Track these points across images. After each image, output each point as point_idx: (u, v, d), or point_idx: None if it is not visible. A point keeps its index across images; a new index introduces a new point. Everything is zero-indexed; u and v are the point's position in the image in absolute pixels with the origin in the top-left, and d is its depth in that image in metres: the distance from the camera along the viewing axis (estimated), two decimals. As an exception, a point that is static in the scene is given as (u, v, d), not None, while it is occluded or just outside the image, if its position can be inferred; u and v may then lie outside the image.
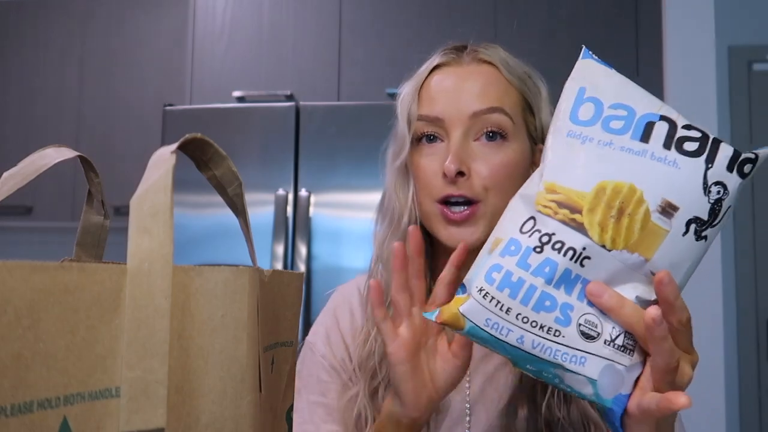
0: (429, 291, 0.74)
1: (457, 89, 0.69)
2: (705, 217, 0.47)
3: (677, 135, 0.48)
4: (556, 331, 0.47)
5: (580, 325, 0.47)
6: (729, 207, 0.48)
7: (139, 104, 2.49)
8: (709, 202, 0.47)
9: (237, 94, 2.14)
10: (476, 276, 0.49)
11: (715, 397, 1.84)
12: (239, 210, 0.40)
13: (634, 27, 2.04)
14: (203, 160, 0.38)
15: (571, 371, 0.47)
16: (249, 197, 1.64)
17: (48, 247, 2.80)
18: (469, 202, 0.67)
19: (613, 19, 2.05)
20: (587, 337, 0.47)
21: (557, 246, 0.47)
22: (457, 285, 0.53)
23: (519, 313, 0.47)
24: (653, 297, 0.47)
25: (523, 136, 0.70)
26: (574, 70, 0.53)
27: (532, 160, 0.71)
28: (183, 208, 1.88)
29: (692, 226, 0.47)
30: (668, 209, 0.47)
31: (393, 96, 0.76)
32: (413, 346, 0.59)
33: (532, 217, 0.49)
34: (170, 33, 2.50)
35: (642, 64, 2.02)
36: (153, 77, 2.50)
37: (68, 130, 2.54)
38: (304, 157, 1.92)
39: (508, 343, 0.48)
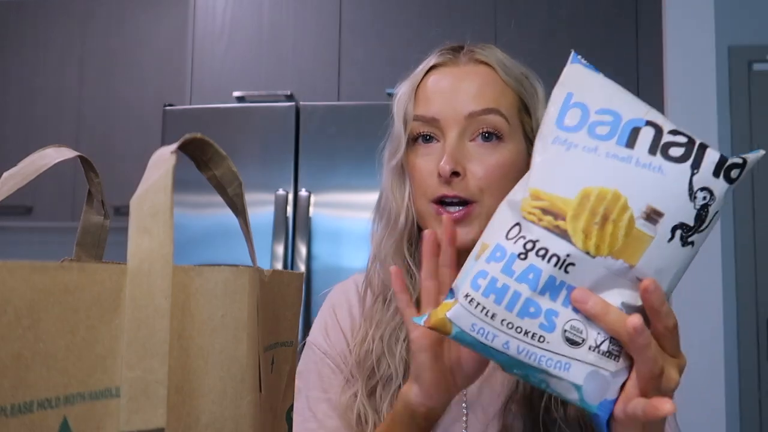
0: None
1: (453, 90, 0.69)
2: (691, 223, 0.47)
3: (663, 140, 0.48)
4: (540, 336, 0.47)
5: (565, 331, 0.47)
6: (716, 212, 0.48)
7: (139, 104, 2.49)
8: (695, 207, 0.47)
9: (237, 94, 2.14)
10: (463, 282, 0.50)
11: (715, 397, 1.84)
12: (239, 210, 0.40)
13: (634, 27, 2.04)
14: (203, 160, 0.38)
15: (556, 377, 0.48)
16: (249, 197, 1.63)
17: (48, 247, 2.80)
18: (464, 202, 0.67)
19: (613, 19, 2.05)
20: (572, 343, 0.47)
21: (541, 253, 0.47)
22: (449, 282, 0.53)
23: (504, 319, 0.47)
24: (639, 303, 0.47)
25: (519, 137, 0.70)
26: (562, 74, 0.53)
27: (527, 162, 0.71)
28: (183, 208, 1.88)
29: (678, 232, 0.47)
30: (653, 215, 0.46)
31: (393, 96, 0.76)
32: (436, 334, 0.58)
33: (518, 224, 0.49)
34: (170, 33, 2.51)
35: (642, 64, 2.02)
36: (153, 77, 2.50)
37: (68, 130, 2.54)
38: (304, 157, 1.92)
39: (494, 348, 0.48)
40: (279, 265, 1.82)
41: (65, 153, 0.39)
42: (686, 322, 2.04)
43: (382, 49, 2.13)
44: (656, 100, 1.99)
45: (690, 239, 0.47)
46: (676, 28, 1.97)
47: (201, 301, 0.31)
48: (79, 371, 0.26)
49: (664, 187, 0.47)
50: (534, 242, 0.47)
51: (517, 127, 0.70)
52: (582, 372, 0.47)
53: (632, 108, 0.49)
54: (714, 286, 1.88)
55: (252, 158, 1.93)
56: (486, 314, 0.48)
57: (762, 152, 0.48)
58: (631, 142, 0.48)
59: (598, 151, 0.48)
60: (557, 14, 2.07)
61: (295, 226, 1.87)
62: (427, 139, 0.70)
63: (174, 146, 0.32)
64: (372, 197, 0.79)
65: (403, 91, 0.73)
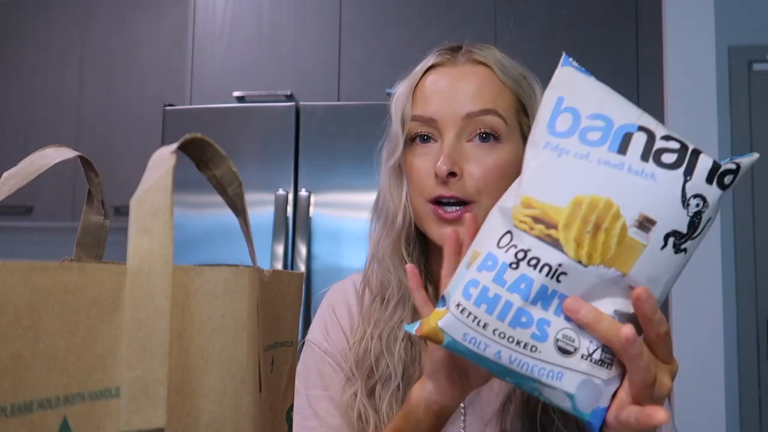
0: (425, 291, 0.74)
1: (451, 90, 0.69)
2: (684, 230, 0.46)
3: (655, 146, 0.47)
4: (532, 346, 0.47)
5: (557, 340, 0.47)
6: (710, 219, 0.47)
7: (139, 104, 2.49)
8: (688, 215, 0.46)
9: (237, 94, 2.14)
10: (454, 290, 0.49)
11: (715, 397, 1.84)
12: (239, 210, 0.39)
13: (634, 27, 2.04)
14: (203, 160, 0.38)
15: (549, 386, 0.48)
16: (249, 197, 1.64)
17: (48, 247, 2.80)
18: (461, 202, 0.67)
19: (613, 19, 2.05)
20: (564, 352, 0.47)
21: (533, 262, 0.47)
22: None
23: (496, 329, 0.47)
24: (632, 310, 0.47)
25: (516, 138, 0.70)
26: (554, 77, 0.52)
27: None
28: (183, 208, 1.88)
29: (671, 240, 0.46)
30: (645, 223, 0.46)
31: (391, 96, 0.76)
32: None
33: (509, 232, 0.48)
34: (170, 33, 2.50)
35: (642, 64, 2.02)
36: (153, 77, 2.50)
37: (68, 130, 2.54)
38: (304, 157, 1.92)
39: (486, 357, 0.48)
40: (279, 265, 1.82)
41: (65, 153, 0.39)
42: (686, 324, 2.04)
43: (382, 49, 2.13)
44: (656, 100, 1.99)
45: (683, 246, 0.47)
46: (676, 28, 1.97)
47: (201, 301, 0.31)
48: (79, 371, 0.26)
49: (656, 194, 0.46)
50: (526, 252, 0.47)
51: (515, 127, 0.70)
52: (574, 381, 0.47)
53: (624, 113, 0.49)
54: (714, 288, 1.87)
55: (252, 158, 1.93)
56: (478, 324, 0.47)
57: (755, 156, 0.48)
58: (623, 149, 0.47)
59: (589, 158, 0.47)
60: (557, 14, 2.07)
61: (295, 226, 1.87)
62: (425, 139, 0.70)
63: (174, 146, 0.32)
64: (372, 197, 0.79)
65: (401, 91, 0.73)
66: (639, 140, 0.47)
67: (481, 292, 0.48)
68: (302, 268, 1.83)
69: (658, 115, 1.97)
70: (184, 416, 0.30)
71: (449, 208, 0.67)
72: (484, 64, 0.71)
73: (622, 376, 0.48)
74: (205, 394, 0.31)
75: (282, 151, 1.93)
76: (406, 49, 2.04)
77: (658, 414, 0.44)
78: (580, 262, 0.46)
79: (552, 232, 0.46)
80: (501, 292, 0.47)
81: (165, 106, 2.00)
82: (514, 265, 0.47)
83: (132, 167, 2.22)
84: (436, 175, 0.66)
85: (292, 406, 0.45)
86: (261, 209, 1.89)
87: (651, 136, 0.47)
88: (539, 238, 0.47)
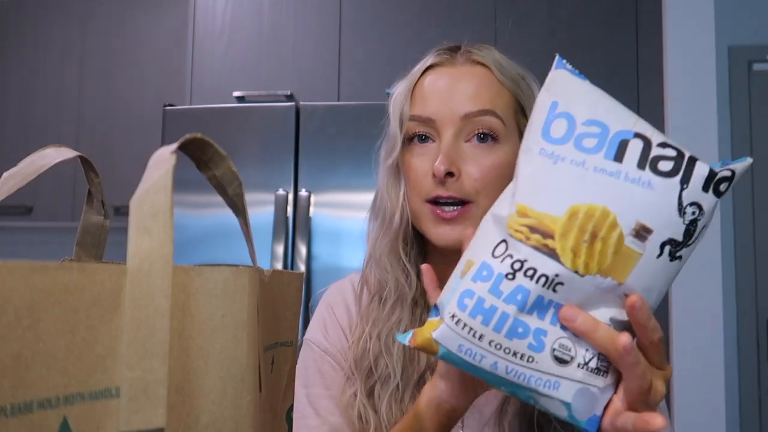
0: (423, 290, 0.74)
1: (449, 90, 0.69)
2: (680, 238, 0.46)
3: (652, 154, 0.47)
4: (529, 357, 0.47)
5: (554, 350, 0.47)
6: (704, 226, 0.47)
7: (139, 104, 2.49)
8: (684, 223, 0.46)
9: (237, 94, 2.14)
10: (448, 300, 0.49)
11: (715, 397, 1.84)
12: (239, 210, 0.39)
13: (634, 27, 2.04)
14: (203, 160, 0.38)
15: (546, 395, 0.48)
16: (249, 197, 1.64)
17: (48, 247, 2.80)
18: (459, 202, 0.67)
19: (613, 19, 2.05)
20: (561, 361, 0.47)
21: (529, 273, 0.46)
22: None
23: (492, 340, 0.47)
24: (627, 318, 0.47)
25: (514, 139, 0.70)
26: (547, 79, 0.51)
27: None
28: (183, 208, 1.88)
29: (666, 248, 0.46)
30: (642, 232, 0.46)
31: (389, 95, 0.76)
32: None
33: (504, 241, 0.48)
34: (170, 33, 2.51)
35: (642, 64, 2.02)
36: (153, 77, 2.50)
37: (68, 130, 2.54)
38: (304, 157, 1.92)
39: (482, 368, 0.48)
40: (279, 265, 1.82)
41: (65, 153, 0.39)
42: (686, 324, 2.04)
43: (382, 49, 2.13)
44: (656, 100, 1.99)
45: (678, 254, 0.47)
46: (676, 28, 1.97)
47: (201, 301, 0.31)
48: (79, 371, 0.26)
49: (653, 203, 0.46)
50: (522, 262, 0.46)
51: (513, 128, 0.70)
52: (571, 390, 0.47)
53: (620, 119, 0.48)
54: (714, 286, 1.87)
55: (252, 158, 1.93)
56: (473, 335, 0.47)
57: (749, 161, 0.47)
58: (619, 156, 0.47)
59: (585, 165, 0.47)
60: (557, 14, 2.07)
61: (295, 226, 1.87)
62: (423, 139, 0.70)
63: (174, 146, 0.32)
64: (372, 197, 0.79)
65: (399, 90, 0.73)
66: (635, 147, 0.47)
67: (477, 303, 0.47)
68: (302, 268, 1.83)
69: (658, 115, 1.97)
70: (184, 416, 0.30)
71: (447, 208, 0.67)
72: (483, 65, 0.71)
73: (617, 383, 0.48)
74: (205, 394, 0.31)
75: (282, 151, 1.93)
76: (406, 49, 2.04)
77: (655, 420, 0.45)
78: (576, 272, 0.46)
79: (549, 242, 0.46)
80: (497, 303, 0.47)
81: (165, 106, 2.00)
82: (510, 276, 0.47)
83: (132, 167, 2.22)
84: (434, 175, 0.66)
85: (292, 406, 0.45)
86: (261, 209, 1.89)
87: (647, 144, 0.47)
88: (536, 248, 0.46)
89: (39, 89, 2.59)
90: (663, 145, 0.47)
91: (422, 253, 0.75)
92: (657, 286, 0.47)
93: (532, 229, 0.47)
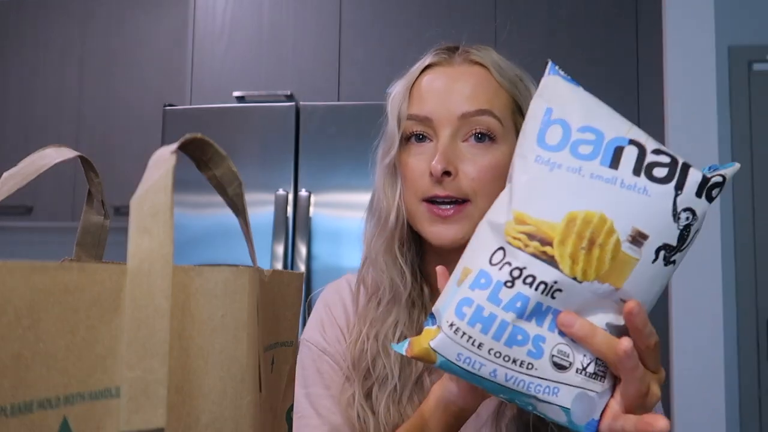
0: (421, 290, 0.74)
1: (447, 90, 0.69)
2: (674, 243, 0.47)
3: (647, 161, 0.47)
4: (528, 364, 0.47)
5: (553, 356, 0.47)
6: (697, 231, 0.48)
7: (139, 104, 2.49)
8: (678, 228, 0.47)
9: (237, 94, 2.14)
10: (446, 309, 0.49)
11: (715, 397, 1.84)
12: (239, 210, 0.39)
13: (634, 27, 2.04)
14: (203, 160, 0.38)
15: (545, 401, 0.48)
16: (249, 197, 1.64)
17: (48, 247, 2.80)
18: (456, 201, 0.67)
19: (613, 19, 2.05)
20: (559, 367, 0.47)
21: (528, 280, 0.46)
22: None
23: (491, 348, 0.47)
24: (623, 322, 0.48)
25: (512, 139, 0.70)
26: (540, 85, 0.52)
27: None
28: (183, 208, 1.88)
29: (661, 253, 0.47)
30: (638, 238, 0.46)
31: (387, 95, 0.76)
32: None
33: (502, 248, 0.48)
34: (170, 33, 2.51)
35: (642, 64, 2.02)
36: (153, 77, 2.50)
37: (68, 130, 2.54)
38: (304, 157, 1.92)
39: (481, 376, 0.48)
40: (279, 265, 1.82)
41: (65, 153, 0.39)
42: (686, 324, 2.04)
43: (382, 49, 2.13)
44: (656, 100, 1.99)
45: (672, 259, 0.47)
46: (676, 28, 1.97)
47: (201, 301, 0.31)
48: (79, 371, 0.26)
49: (649, 208, 0.46)
50: (521, 269, 0.47)
51: (511, 129, 0.70)
52: (570, 395, 0.48)
53: (614, 126, 0.49)
54: (714, 285, 1.87)
55: (252, 158, 1.93)
56: (473, 344, 0.47)
57: (737, 166, 0.48)
58: (614, 163, 0.47)
59: (582, 172, 0.47)
60: (557, 14, 2.07)
61: (295, 226, 1.87)
62: (420, 138, 0.70)
63: (174, 146, 0.32)
64: (372, 197, 0.79)
65: (397, 90, 0.73)
66: (630, 154, 0.47)
67: (476, 311, 0.47)
68: (302, 268, 1.83)
69: (658, 114, 1.97)
70: (184, 416, 0.30)
71: (443, 206, 0.67)
72: (481, 65, 0.71)
73: (614, 387, 0.49)
74: (205, 394, 0.31)
75: (282, 151, 1.92)
76: (406, 49, 2.04)
77: (658, 422, 0.46)
78: (575, 278, 0.46)
79: (547, 249, 0.46)
80: (496, 311, 0.47)
81: (165, 106, 2.00)
82: (509, 284, 0.47)
83: (132, 167, 2.22)
84: (431, 174, 0.66)
85: (292, 406, 0.45)
86: (261, 209, 1.89)
87: (642, 150, 0.48)
88: (534, 255, 0.46)
89: (39, 89, 2.59)
90: (657, 151, 0.48)
91: (419, 253, 0.75)
92: (652, 291, 0.48)
93: (531, 236, 0.47)
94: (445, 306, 0.49)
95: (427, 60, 0.73)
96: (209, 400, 0.31)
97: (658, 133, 1.93)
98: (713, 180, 0.47)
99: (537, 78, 0.74)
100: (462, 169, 0.67)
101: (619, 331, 0.48)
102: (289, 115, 1.94)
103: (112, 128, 2.51)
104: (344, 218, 1.87)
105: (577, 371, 0.48)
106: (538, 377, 0.47)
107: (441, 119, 0.68)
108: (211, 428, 0.31)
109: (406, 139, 0.71)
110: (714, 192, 0.47)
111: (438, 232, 0.67)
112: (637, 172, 0.47)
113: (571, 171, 0.47)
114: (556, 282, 0.46)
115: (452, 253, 0.65)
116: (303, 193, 1.88)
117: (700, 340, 1.85)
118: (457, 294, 0.49)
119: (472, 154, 0.68)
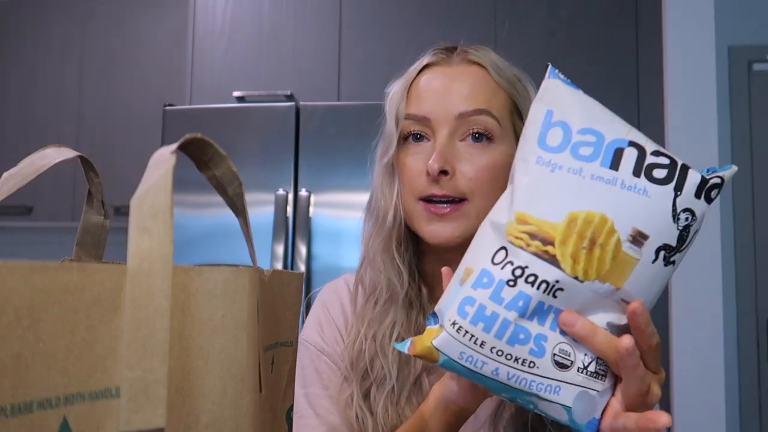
0: (419, 290, 0.74)
1: (445, 89, 0.69)
2: (674, 243, 0.48)
3: (646, 162, 0.48)
4: (530, 362, 0.48)
5: (554, 355, 0.48)
6: (696, 231, 0.48)
7: (139, 104, 2.49)
8: (678, 228, 0.47)
9: (237, 94, 2.14)
10: (448, 308, 0.49)
11: (715, 397, 1.84)
12: (239, 210, 0.39)
13: (634, 27, 2.04)
14: (203, 160, 0.38)
15: (547, 400, 0.48)
16: (249, 197, 1.64)
17: (48, 247, 2.80)
18: (453, 200, 0.67)
19: (613, 19, 2.05)
20: (561, 366, 0.48)
21: (530, 279, 0.47)
22: None
23: (494, 347, 0.47)
24: (624, 322, 0.48)
25: (510, 139, 0.70)
26: (541, 89, 0.52)
27: None
28: (183, 208, 1.88)
29: (661, 253, 0.47)
30: (639, 238, 0.47)
31: (386, 94, 0.76)
32: None
33: (504, 248, 0.49)
34: (170, 33, 2.51)
35: (642, 64, 2.02)
36: (153, 77, 2.50)
37: (68, 130, 2.54)
38: (304, 157, 1.92)
39: (483, 374, 0.48)
40: (279, 265, 1.82)
41: (65, 153, 0.39)
42: (686, 324, 2.04)
43: (382, 49, 2.13)
44: (656, 100, 1.99)
45: (672, 259, 0.48)
46: (676, 28, 1.97)
47: (201, 301, 0.31)
48: (79, 371, 0.26)
49: (649, 209, 0.47)
50: (523, 268, 0.47)
51: (509, 129, 0.70)
52: (571, 394, 0.48)
53: (614, 127, 0.49)
54: (714, 286, 1.87)
55: (252, 158, 1.93)
56: (475, 342, 0.48)
57: (734, 168, 0.49)
58: (615, 164, 0.48)
59: (582, 173, 0.48)
60: (557, 14, 2.07)
61: (295, 226, 1.87)
62: (418, 138, 0.70)
63: (174, 146, 0.32)
64: (371, 197, 0.79)
65: (395, 89, 0.73)
66: (630, 155, 0.48)
67: (478, 310, 0.48)
68: (302, 268, 1.83)
69: (658, 114, 1.97)
70: (184, 416, 0.30)
71: (440, 205, 0.67)
72: (479, 65, 0.71)
73: (614, 386, 0.49)
74: (205, 394, 0.31)
75: (282, 151, 1.93)
76: (406, 49, 2.04)
77: (660, 418, 0.46)
78: (576, 278, 0.47)
79: (549, 248, 0.47)
80: (498, 310, 0.47)
81: (165, 106, 2.00)
82: (511, 283, 0.47)
83: (132, 167, 2.22)
84: (428, 173, 0.66)
85: (292, 406, 0.45)
86: (261, 209, 1.89)
87: (642, 152, 0.48)
88: (536, 254, 0.47)
89: (39, 89, 2.59)
90: (656, 153, 0.48)
91: (417, 253, 0.75)
92: (652, 291, 0.49)
93: (533, 236, 0.47)
94: (448, 305, 0.49)
95: (425, 60, 0.73)
96: (209, 400, 0.31)
97: (658, 133, 1.93)
98: (712, 181, 0.48)
99: (536, 78, 0.74)
100: (459, 169, 0.67)
101: (620, 331, 0.48)
102: (289, 115, 1.94)
103: (112, 128, 2.51)
104: (344, 218, 1.87)
105: (578, 370, 0.48)
106: (540, 376, 0.48)
107: (439, 119, 0.68)
108: (211, 428, 0.31)
109: (404, 138, 0.71)
110: (713, 193, 0.48)
111: (435, 230, 0.67)
112: (637, 173, 0.48)
113: (572, 172, 0.48)
114: (557, 281, 0.47)
115: (450, 253, 0.65)
116: (303, 193, 1.88)
117: (700, 340, 1.85)
118: (460, 293, 0.49)
119: (470, 153, 0.68)
